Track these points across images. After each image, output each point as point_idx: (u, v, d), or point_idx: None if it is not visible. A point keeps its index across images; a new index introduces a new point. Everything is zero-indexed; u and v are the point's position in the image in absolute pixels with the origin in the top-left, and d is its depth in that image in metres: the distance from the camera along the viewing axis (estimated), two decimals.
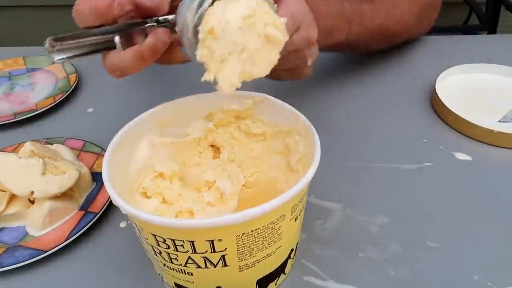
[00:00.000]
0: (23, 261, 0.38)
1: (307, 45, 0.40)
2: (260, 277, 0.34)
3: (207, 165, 0.42)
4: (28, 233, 0.42)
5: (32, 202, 0.43)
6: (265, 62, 0.32)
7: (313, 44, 0.41)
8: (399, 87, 0.62)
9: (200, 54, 0.31)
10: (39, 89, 0.66)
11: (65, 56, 0.32)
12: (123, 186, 0.35)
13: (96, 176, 0.47)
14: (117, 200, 0.29)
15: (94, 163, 0.49)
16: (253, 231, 0.30)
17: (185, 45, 0.33)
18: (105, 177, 0.32)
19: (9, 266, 0.38)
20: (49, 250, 0.39)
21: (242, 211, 0.28)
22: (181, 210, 0.38)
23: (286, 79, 0.45)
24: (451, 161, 0.49)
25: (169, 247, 0.30)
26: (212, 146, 0.43)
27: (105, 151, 0.36)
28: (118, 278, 0.38)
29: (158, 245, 0.30)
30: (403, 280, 0.37)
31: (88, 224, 0.41)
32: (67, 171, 0.43)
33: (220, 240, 0.29)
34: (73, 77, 0.66)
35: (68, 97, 0.63)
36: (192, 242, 0.29)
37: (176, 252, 0.30)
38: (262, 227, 0.30)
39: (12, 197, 0.43)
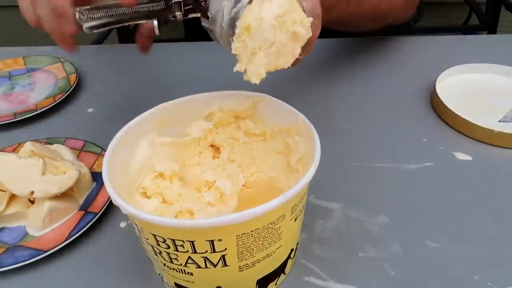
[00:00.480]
0: (23, 261, 0.38)
1: (307, 44, 0.40)
2: (260, 277, 0.34)
3: (207, 165, 0.42)
4: (28, 233, 0.42)
5: (32, 202, 0.43)
6: (288, 56, 0.35)
7: (311, 45, 0.41)
8: (399, 87, 0.62)
9: (235, 47, 0.34)
10: (39, 89, 0.66)
11: (94, 23, 0.35)
12: (123, 186, 0.35)
13: (96, 176, 0.47)
14: (117, 200, 0.29)
15: (94, 163, 0.49)
16: (253, 231, 0.30)
17: (215, 31, 0.36)
18: (105, 177, 0.32)
19: (9, 266, 0.38)
20: (49, 250, 0.39)
21: (242, 211, 0.28)
22: (181, 210, 0.38)
23: None
24: (451, 161, 0.49)
25: (169, 247, 0.30)
26: (212, 146, 0.43)
27: (105, 151, 0.36)
28: (118, 278, 0.38)
29: (158, 245, 0.30)
30: (403, 280, 0.37)
31: (88, 224, 0.41)
32: (67, 171, 0.43)
33: (220, 240, 0.29)
34: (73, 77, 0.66)
35: (68, 97, 0.63)
36: (192, 242, 0.29)
37: (176, 252, 0.30)
38: (262, 227, 0.30)
39: (12, 197, 0.43)
